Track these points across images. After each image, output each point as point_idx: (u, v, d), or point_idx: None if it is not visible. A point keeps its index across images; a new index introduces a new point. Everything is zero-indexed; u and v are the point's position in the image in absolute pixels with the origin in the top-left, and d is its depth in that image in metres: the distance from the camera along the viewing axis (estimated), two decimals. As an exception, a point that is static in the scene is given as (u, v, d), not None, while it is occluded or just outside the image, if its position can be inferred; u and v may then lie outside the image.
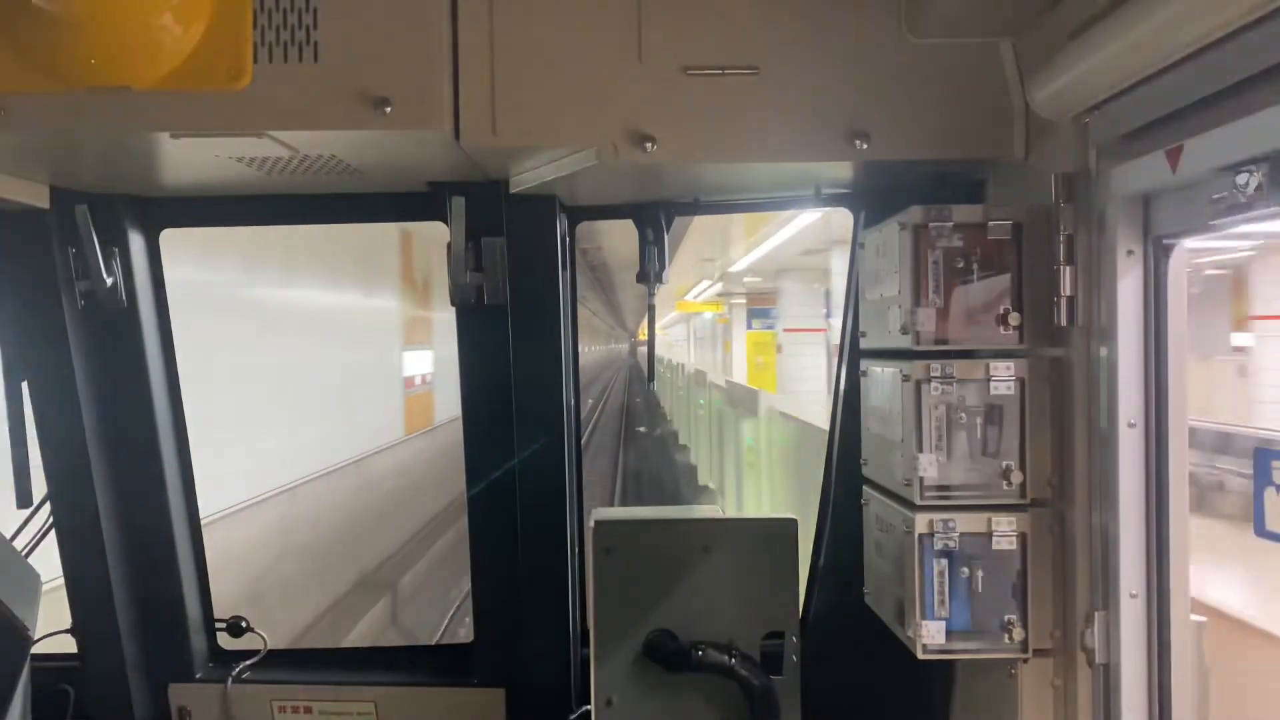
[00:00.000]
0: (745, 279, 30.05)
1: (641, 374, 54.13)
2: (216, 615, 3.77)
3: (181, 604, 3.63)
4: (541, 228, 3.24)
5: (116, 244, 3.33)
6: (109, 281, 3.29)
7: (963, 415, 2.57)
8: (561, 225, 3.32)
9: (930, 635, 2.57)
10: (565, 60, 2.73)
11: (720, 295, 38.92)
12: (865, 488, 3.05)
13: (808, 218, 15.44)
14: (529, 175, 3.09)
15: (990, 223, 2.57)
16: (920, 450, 2.57)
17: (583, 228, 3.57)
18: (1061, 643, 2.59)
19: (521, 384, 3.31)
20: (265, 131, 2.63)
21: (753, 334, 35.35)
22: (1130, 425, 2.36)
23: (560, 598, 3.45)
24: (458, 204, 3.15)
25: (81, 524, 3.46)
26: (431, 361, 21.99)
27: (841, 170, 3.03)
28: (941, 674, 3.14)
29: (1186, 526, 2.36)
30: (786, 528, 2.99)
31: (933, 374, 2.56)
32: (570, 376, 3.43)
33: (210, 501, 4.00)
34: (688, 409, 28.24)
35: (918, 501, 2.58)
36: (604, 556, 2.96)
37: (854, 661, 3.28)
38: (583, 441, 3.91)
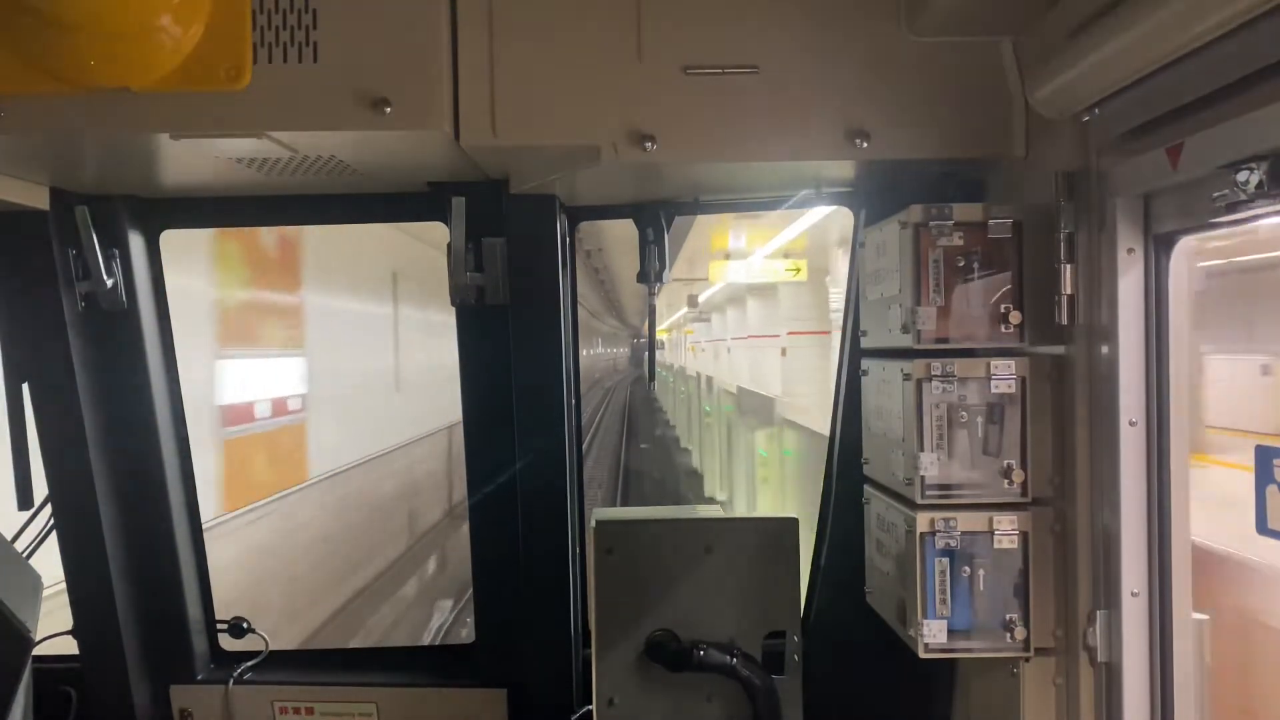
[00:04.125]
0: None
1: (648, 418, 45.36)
2: (218, 616, 3.77)
3: (183, 605, 3.63)
4: (542, 227, 3.24)
5: (116, 245, 3.33)
6: (109, 282, 3.30)
7: (964, 414, 2.57)
8: (562, 225, 3.31)
9: (932, 634, 2.57)
10: (565, 60, 2.72)
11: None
12: (866, 487, 3.04)
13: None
14: (529, 175, 3.09)
15: (991, 221, 2.56)
16: (921, 449, 2.56)
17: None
18: (1063, 641, 2.59)
19: (522, 384, 3.31)
20: (265, 132, 2.63)
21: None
22: (1131, 423, 2.36)
23: (561, 598, 3.45)
24: (458, 204, 3.15)
25: (82, 525, 3.45)
26: (305, 376, 13.77)
27: (842, 169, 3.03)
28: (943, 673, 3.14)
29: (1188, 524, 2.36)
30: (788, 527, 2.99)
31: (934, 373, 2.56)
32: (571, 376, 3.43)
33: None
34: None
35: (919, 500, 2.58)
36: (605, 557, 2.96)
37: (856, 661, 3.28)
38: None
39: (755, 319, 25.17)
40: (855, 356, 3.21)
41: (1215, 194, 1.94)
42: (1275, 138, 1.81)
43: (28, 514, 3.52)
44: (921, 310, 2.56)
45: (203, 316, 11.04)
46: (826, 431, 3.48)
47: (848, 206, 3.35)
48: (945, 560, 2.57)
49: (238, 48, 2.55)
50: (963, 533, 2.56)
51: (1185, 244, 2.34)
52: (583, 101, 2.73)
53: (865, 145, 2.73)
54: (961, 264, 2.56)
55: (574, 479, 3.51)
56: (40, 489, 3.50)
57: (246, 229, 11.96)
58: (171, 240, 3.43)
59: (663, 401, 50.17)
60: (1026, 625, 2.56)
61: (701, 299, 32.36)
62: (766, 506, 17.47)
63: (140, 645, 3.60)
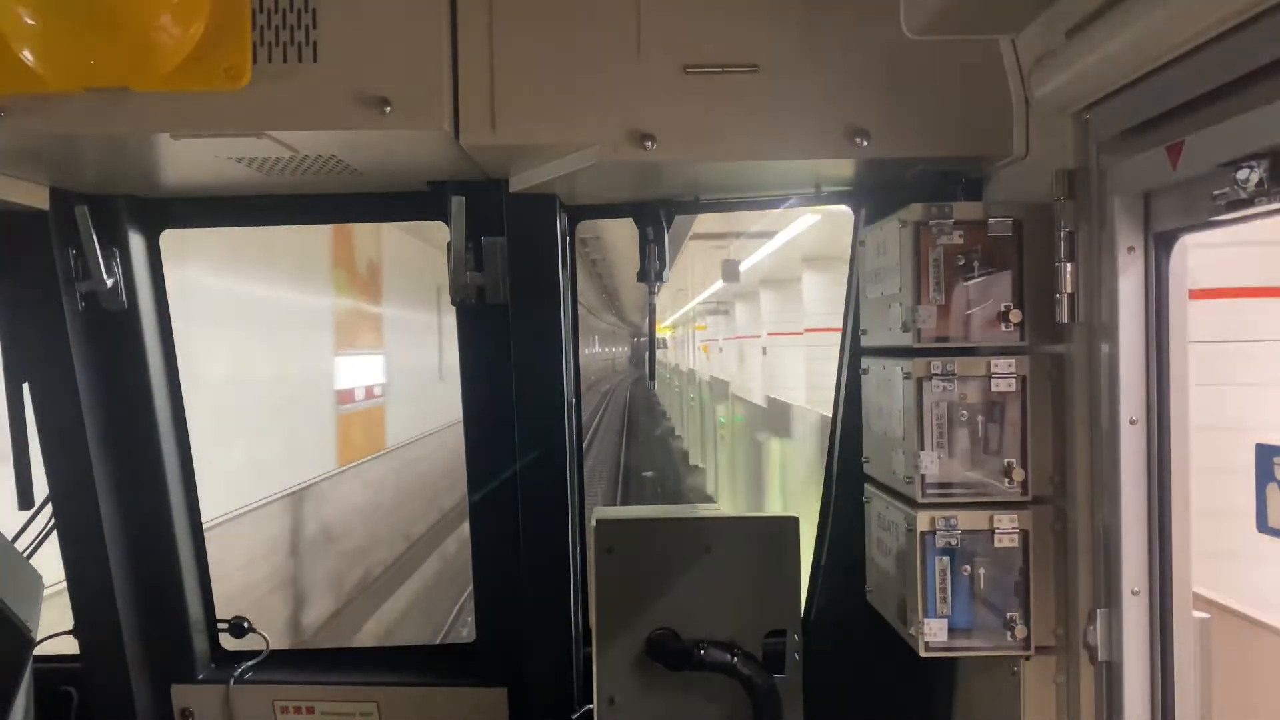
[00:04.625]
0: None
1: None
2: (219, 616, 3.77)
3: (183, 604, 3.64)
4: (542, 227, 3.24)
5: (116, 245, 3.33)
6: (109, 282, 3.30)
7: (964, 412, 2.57)
8: (561, 224, 3.31)
9: (932, 633, 2.57)
10: (565, 59, 2.73)
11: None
12: (867, 485, 3.04)
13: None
14: (529, 174, 3.09)
15: (991, 220, 2.56)
16: (921, 448, 2.56)
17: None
18: (1064, 640, 2.59)
19: (522, 383, 3.31)
20: (265, 131, 2.63)
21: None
22: (1132, 422, 2.36)
23: (562, 597, 3.45)
24: (458, 203, 3.15)
25: (83, 525, 3.46)
26: None
27: (842, 168, 3.03)
28: (944, 672, 3.14)
29: (1189, 523, 2.36)
30: (788, 526, 2.99)
31: (934, 371, 2.56)
32: (571, 375, 3.43)
33: None
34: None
35: (919, 499, 2.58)
36: (605, 556, 2.97)
37: (856, 660, 3.28)
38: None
39: (816, 305, 18.69)
40: (855, 355, 3.21)
41: (1215, 192, 1.94)
42: (1275, 135, 1.81)
43: (28, 514, 3.52)
44: (921, 309, 2.56)
45: None
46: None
47: (848, 205, 3.35)
48: (946, 559, 2.57)
49: (238, 47, 2.56)
50: (963, 531, 2.56)
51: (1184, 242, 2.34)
52: (582, 100, 2.73)
53: (865, 144, 2.73)
54: (961, 263, 2.56)
55: (574, 478, 3.51)
56: (40, 489, 3.50)
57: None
58: None
59: (664, 404, 48.08)
60: (1027, 624, 2.56)
61: (747, 266, 19.70)
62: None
63: (141, 645, 3.60)
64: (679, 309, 42.06)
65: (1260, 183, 1.82)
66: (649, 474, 26.83)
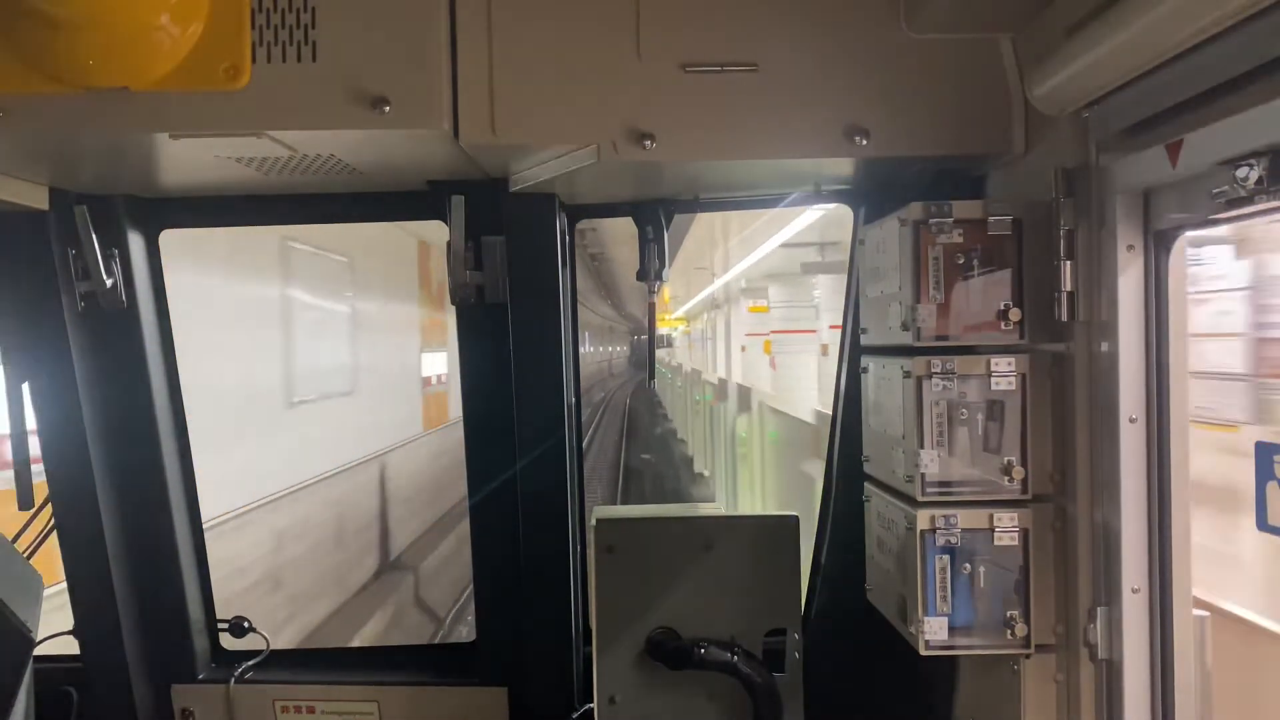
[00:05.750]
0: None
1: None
2: (219, 616, 3.77)
3: (183, 604, 3.64)
4: (541, 226, 3.24)
5: (116, 245, 3.33)
6: (109, 282, 3.30)
7: (964, 411, 2.57)
8: (561, 223, 3.32)
9: (932, 631, 2.57)
10: (564, 58, 2.72)
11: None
12: (867, 484, 3.05)
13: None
14: (528, 173, 3.09)
15: (990, 218, 2.56)
16: (921, 446, 2.56)
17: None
18: (1064, 638, 2.59)
19: (522, 382, 3.31)
20: (264, 131, 2.63)
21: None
22: (1131, 420, 2.36)
23: (562, 596, 3.45)
24: (457, 203, 3.15)
25: (83, 525, 3.45)
26: None
27: (841, 167, 3.03)
28: (944, 670, 3.14)
29: (1188, 521, 2.36)
30: (788, 525, 2.99)
31: (934, 370, 2.56)
32: (570, 374, 3.43)
33: None
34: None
35: (919, 498, 2.58)
36: (606, 555, 2.97)
37: (856, 658, 3.28)
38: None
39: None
40: (855, 354, 3.22)
41: (1215, 190, 1.94)
42: (1275, 134, 1.81)
43: (28, 514, 3.52)
44: (921, 308, 2.56)
45: None
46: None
47: (847, 204, 3.35)
48: (946, 557, 2.57)
49: (236, 47, 2.55)
50: (963, 530, 2.56)
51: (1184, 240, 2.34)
52: (582, 100, 2.73)
53: (864, 143, 2.72)
54: (961, 261, 2.56)
55: (574, 477, 3.51)
56: (40, 489, 3.50)
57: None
58: None
59: (664, 404, 45.36)
60: (1027, 622, 2.56)
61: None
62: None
63: (141, 645, 3.60)
64: (695, 289, 31.29)
65: (1260, 180, 1.83)
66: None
